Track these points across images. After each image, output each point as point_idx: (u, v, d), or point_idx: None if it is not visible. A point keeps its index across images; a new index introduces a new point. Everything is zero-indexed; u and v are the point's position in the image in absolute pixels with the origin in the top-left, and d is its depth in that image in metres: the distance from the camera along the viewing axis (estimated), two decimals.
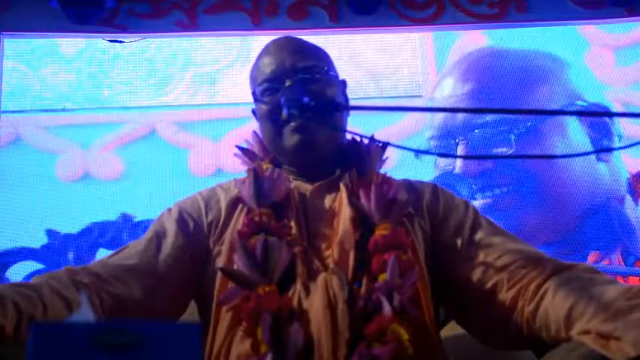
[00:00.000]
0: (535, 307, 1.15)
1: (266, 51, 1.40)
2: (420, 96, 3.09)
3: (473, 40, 3.15)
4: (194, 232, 1.32)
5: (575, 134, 2.99)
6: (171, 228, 1.32)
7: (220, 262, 1.26)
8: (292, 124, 1.30)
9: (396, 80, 3.09)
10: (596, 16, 2.71)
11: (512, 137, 2.94)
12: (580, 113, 2.79)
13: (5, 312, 1.01)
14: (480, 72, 3.07)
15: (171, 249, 1.29)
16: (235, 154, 1.44)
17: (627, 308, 1.02)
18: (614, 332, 1.00)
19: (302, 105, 1.19)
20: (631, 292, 1.06)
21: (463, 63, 3.12)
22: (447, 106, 3.07)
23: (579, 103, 2.99)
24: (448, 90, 3.08)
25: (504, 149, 2.94)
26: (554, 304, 1.13)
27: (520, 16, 2.71)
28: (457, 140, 2.96)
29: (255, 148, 1.43)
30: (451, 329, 1.41)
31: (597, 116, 2.89)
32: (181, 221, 1.33)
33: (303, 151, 1.32)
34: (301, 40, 1.44)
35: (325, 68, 1.37)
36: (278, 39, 1.42)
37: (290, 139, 1.32)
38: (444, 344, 1.27)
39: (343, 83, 1.46)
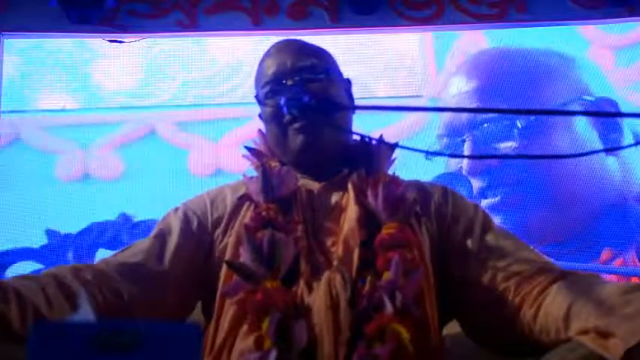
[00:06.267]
0: (536, 310, 1.16)
1: (267, 54, 1.41)
2: (420, 96, 3.09)
3: (473, 40, 3.15)
4: (198, 229, 1.33)
5: (583, 129, 2.95)
6: (175, 227, 1.33)
7: (227, 255, 1.26)
8: (296, 125, 1.30)
9: (396, 80, 3.08)
10: (596, 16, 2.71)
11: (516, 132, 2.91)
12: (580, 113, 2.78)
13: (9, 304, 1.02)
14: (488, 70, 3.05)
15: (175, 247, 1.30)
16: (244, 155, 1.44)
17: (622, 303, 1.04)
18: (609, 327, 1.00)
19: (302, 104, 1.19)
20: (626, 287, 1.07)
21: (471, 61, 3.10)
22: (454, 104, 3.05)
23: (586, 98, 2.96)
24: (455, 88, 3.07)
25: (511, 143, 2.90)
26: (554, 305, 1.13)
27: (520, 16, 2.71)
28: (464, 137, 2.94)
29: (262, 148, 1.43)
30: (452, 328, 1.40)
31: (597, 116, 2.88)
32: (186, 220, 1.34)
33: (308, 151, 1.33)
34: (301, 41, 1.45)
35: (326, 67, 1.37)
36: (279, 42, 1.43)
37: (294, 140, 1.32)
38: (445, 344, 1.27)
39: (348, 82, 1.45)
